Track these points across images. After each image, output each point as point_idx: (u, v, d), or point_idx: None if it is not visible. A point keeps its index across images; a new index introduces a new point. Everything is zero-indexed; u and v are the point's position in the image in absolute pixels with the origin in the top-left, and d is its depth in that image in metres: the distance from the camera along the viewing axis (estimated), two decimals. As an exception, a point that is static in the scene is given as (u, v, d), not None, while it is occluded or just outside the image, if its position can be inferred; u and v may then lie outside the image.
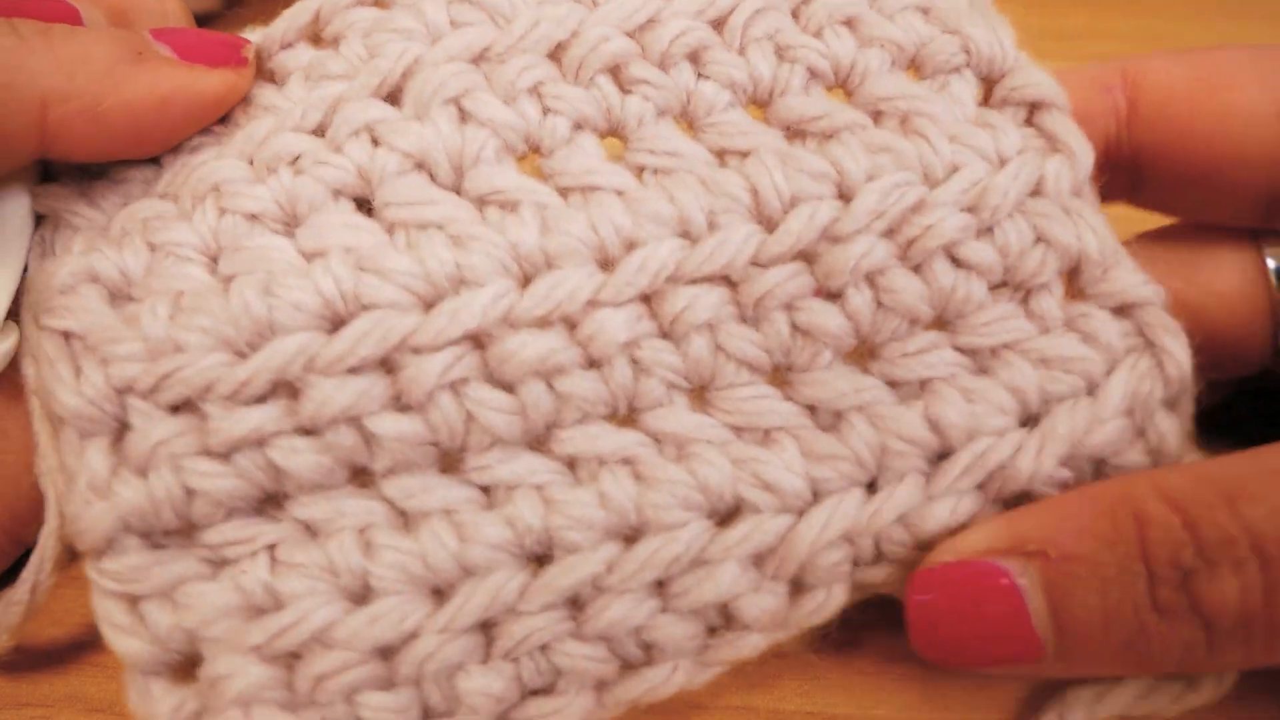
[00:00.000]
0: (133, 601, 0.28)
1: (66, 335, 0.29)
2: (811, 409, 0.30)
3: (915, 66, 0.33)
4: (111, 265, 0.30)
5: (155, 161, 0.33)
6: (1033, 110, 0.32)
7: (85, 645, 0.34)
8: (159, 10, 0.35)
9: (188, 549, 0.29)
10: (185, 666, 0.28)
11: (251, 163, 0.31)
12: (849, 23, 0.32)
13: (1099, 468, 0.31)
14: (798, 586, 0.30)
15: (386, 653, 0.28)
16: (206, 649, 0.28)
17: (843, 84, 0.32)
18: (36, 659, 0.34)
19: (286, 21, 0.33)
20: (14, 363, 0.32)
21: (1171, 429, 0.31)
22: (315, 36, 0.34)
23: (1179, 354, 0.30)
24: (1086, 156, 0.31)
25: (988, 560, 0.28)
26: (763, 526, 0.29)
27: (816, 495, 0.29)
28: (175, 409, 0.29)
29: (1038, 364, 0.30)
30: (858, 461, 0.29)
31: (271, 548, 0.29)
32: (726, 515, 0.29)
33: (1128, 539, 0.27)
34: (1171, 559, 0.27)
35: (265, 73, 0.33)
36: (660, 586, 0.29)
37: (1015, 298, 0.31)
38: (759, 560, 0.29)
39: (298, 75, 0.33)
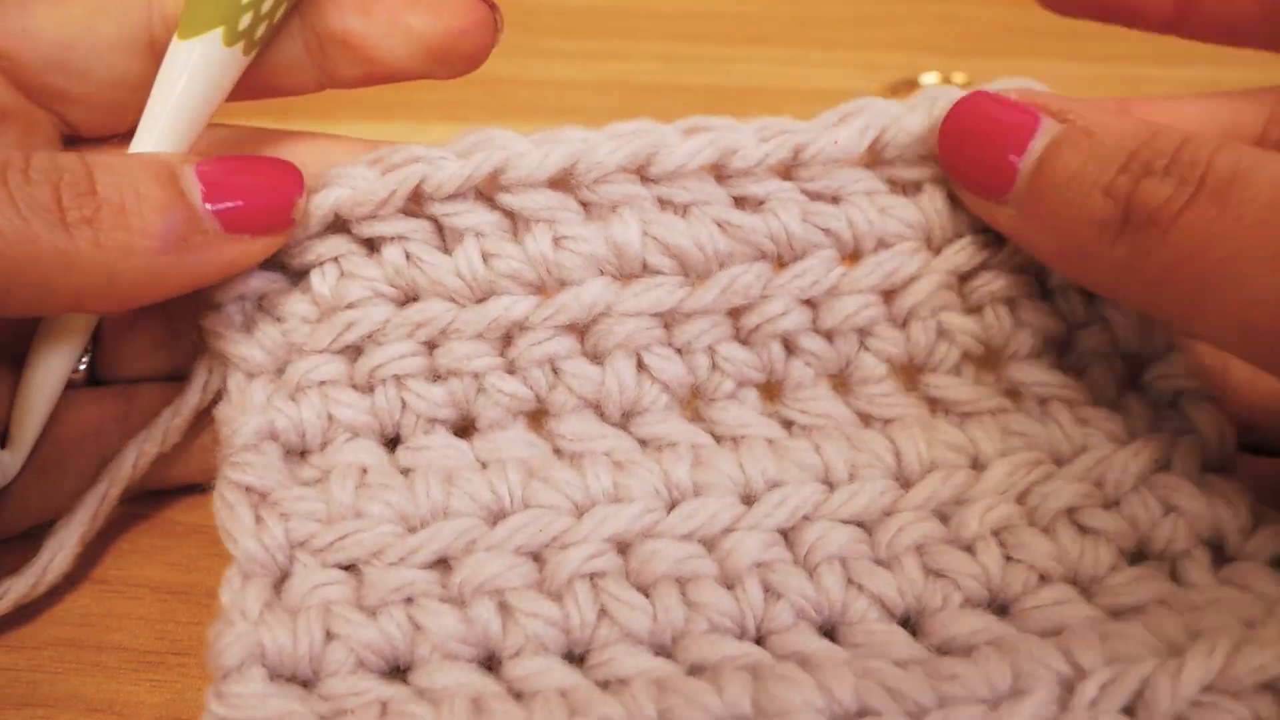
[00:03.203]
0: None
1: (248, 488, 0.32)
2: (941, 649, 0.30)
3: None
4: (290, 426, 0.33)
5: (299, 278, 0.34)
6: (1176, 395, 0.34)
7: (85, 645, 0.34)
8: None
9: (307, 694, 0.29)
10: None
11: (429, 349, 0.33)
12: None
13: None
14: None
15: None
16: None
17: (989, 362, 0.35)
18: (37, 659, 0.33)
19: (457, 169, 0.33)
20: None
21: None
22: (487, 197, 0.33)
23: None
24: (1223, 438, 0.33)
25: (1036, 105, 0.32)
26: None
27: (941, 703, 0.28)
28: (334, 568, 0.31)
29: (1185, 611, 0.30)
30: (987, 680, 0.28)
31: (384, 703, 0.29)
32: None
33: (1136, 139, 0.30)
34: (1147, 161, 0.30)
35: (426, 213, 0.33)
36: None
37: (1162, 567, 0.31)
38: None
39: (470, 242, 0.33)
